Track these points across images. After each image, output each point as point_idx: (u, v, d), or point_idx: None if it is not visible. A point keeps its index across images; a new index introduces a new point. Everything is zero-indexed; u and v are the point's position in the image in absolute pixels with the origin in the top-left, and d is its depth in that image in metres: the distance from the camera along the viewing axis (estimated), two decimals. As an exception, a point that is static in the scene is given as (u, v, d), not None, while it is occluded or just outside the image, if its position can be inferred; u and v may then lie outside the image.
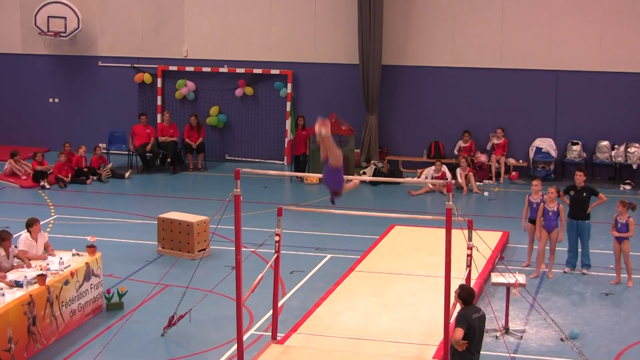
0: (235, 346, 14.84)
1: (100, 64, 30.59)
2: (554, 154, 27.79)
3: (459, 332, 12.97)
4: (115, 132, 30.16)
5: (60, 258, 17.16)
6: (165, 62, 30.12)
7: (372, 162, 28.18)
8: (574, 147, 27.70)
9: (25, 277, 16.19)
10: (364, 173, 27.49)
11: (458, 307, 13.50)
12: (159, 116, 29.78)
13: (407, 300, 17.64)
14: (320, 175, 14.87)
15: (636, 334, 16.83)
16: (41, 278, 16.15)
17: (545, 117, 28.06)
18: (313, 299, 17.89)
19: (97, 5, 30.24)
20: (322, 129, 13.67)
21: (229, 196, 14.38)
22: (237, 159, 29.74)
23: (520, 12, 27.76)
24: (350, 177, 15.00)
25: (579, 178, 19.99)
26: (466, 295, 13.33)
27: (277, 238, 15.65)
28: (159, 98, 30.24)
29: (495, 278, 17.24)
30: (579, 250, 19.84)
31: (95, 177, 27.51)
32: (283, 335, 16.05)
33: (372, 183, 27.13)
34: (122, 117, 30.12)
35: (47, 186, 26.70)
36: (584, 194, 19.71)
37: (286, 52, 29.33)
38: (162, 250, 20.92)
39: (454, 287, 13.82)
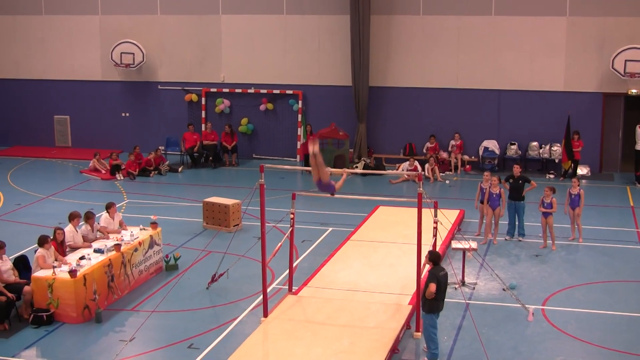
0: (261, 297, 14.87)
1: (159, 87, 30.54)
2: (497, 151, 27.73)
3: (433, 286, 13.01)
4: (170, 137, 30.16)
5: (131, 232, 17.23)
6: (207, 85, 30.08)
7: (362, 158, 28.12)
8: (512, 147, 27.65)
9: (106, 245, 16.27)
10: (356, 167, 27.46)
11: (427, 267, 13.51)
12: (203, 126, 29.72)
13: (389, 262, 17.65)
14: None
15: (558, 284, 16.87)
16: (117, 246, 16.22)
17: (491, 124, 28.00)
18: (319, 261, 17.92)
19: (157, 44, 30.19)
20: (314, 147, 13.69)
21: (255, 185, 14.41)
22: (261, 157, 29.68)
23: (471, 47, 27.68)
24: (339, 170, 14.88)
25: (516, 169, 20.03)
26: (435, 257, 13.35)
27: (292, 216, 15.68)
28: (203, 112, 30.18)
29: (455, 244, 17.27)
30: (516, 223, 19.87)
31: (156, 172, 27.52)
32: (297, 288, 16.08)
33: (362, 174, 27.09)
34: (175, 127, 30.08)
35: (121, 178, 26.72)
36: (520, 181, 19.74)
37: (297, 77, 29.26)
38: (206, 225, 20.92)
39: (424, 252, 13.84)
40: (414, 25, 28.06)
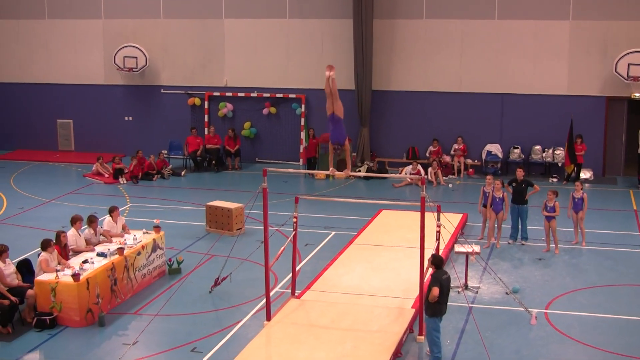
0: (264, 300, 14.87)
1: (162, 91, 30.56)
2: (500, 155, 27.71)
3: (436, 290, 13.00)
4: (173, 141, 30.15)
5: (134, 235, 17.25)
6: (210, 89, 30.09)
7: (365, 162, 28.12)
8: (515, 150, 27.64)
9: (109, 249, 16.28)
10: (359, 170, 27.47)
11: (430, 270, 13.51)
12: (206, 129, 29.71)
13: (392, 265, 17.64)
14: (327, 172, 14.90)
15: (561, 288, 16.85)
16: (120, 250, 16.23)
17: (494, 128, 27.99)
18: (322, 265, 17.90)
19: (160, 48, 30.22)
20: (331, 72, 13.80)
21: (258, 189, 14.41)
22: (264, 160, 29.67)
23: (474, 50, 27.69)
24: (341, 174, 14.81)
25: (519, 173, 20.02)
26: (437, 261, 13.34)
27: (294, 220, 15.68)
28: (206, 116, 30.18)
29: (458, 248, 17.27)
30: (519, 227, 19.85)
31: (159, 176, 27.53)
32: (300, 292, 16.07)
33: (365, 178, 27.08)
34: (178, 131, 30.08)
35: (124, 182, 26.74)
36: (523, 185, 19.73)
37: (300, 81, 29.25)
38: (209, 229, 20.92)
39: (427, 255, 13.83)
40: (417, 29, 28.07)
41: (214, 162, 28.76)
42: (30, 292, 15.11)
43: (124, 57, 29.92)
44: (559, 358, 13.59)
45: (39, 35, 31.28)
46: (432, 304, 13.09)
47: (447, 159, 27.89)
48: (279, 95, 29.41)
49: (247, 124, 29.88)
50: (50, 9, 31.04)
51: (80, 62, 31.05)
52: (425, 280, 13.86)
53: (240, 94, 29.73)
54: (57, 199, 24.40)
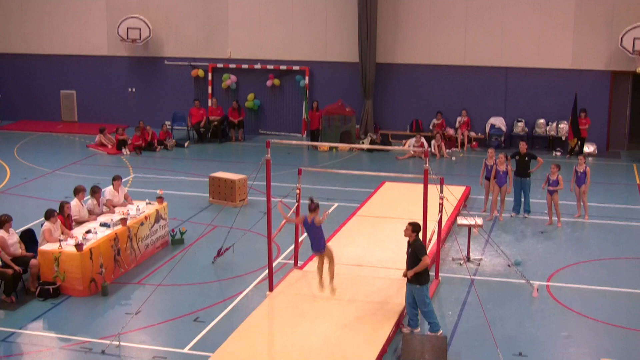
0: (267, 271, 14.89)
1: (165, 62, 30.47)
2: (504, 129, 27.66)
3: (428, 258, 13.01)
4: (177, 113, 30.12)
5: (137, 206, 17.25)
6: (214, 61, 29.99)
7: (368, 135, 28.08)
8: (519, 124, 27.58)
9: (112, 219, 16.28)
10: (363, 142, 27.46)
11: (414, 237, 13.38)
12: (209, 101, 29.68)
13: (394, 237, 17.60)
14: (330, 144, 14.79)
15: (564, 261, 16.86)
16: (123, 220, 16.24)
17: (498, 102, 27.91)
18: (325, 237, 17.86)
19: (164, 20, 30.09)
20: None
21: (261, 160, 14.39)
22: (268, 132, 29.64)
23: (479, 23, 27.55)
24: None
25: (523, 146, 19.99)
26: (419, 227, 13.25)
27: (297, 191, 15.69)
28: (209, 88, 30.11)
29: (460, 220, 17.26)
30: (522, 200, 19.84)
31: (162, 147, 27.52)
32: (302, 263, 16.10)
33: (368, 150, 27.08)
34: (182, 102, 30.04)
35: (127, 153, 26.73)
36: (526, 158, 19.70)
37: (304, 53, 29.15)
38: (212, 200, 20.94)
39: (430, 228, 13.81)
40: (422, 2, 27.90)
41: (212, 131, 28.71)
42: (33, 261, 15.15)
43: (128, 28, 29.81)
44: (560, 330, 13.61)
45: (42, 6, 31.15)
46: (423, 271, 13.05)
47: (451, 131, 27.85)
48: (282, 67, 29.31)
49: (250, 96, 29.81)
50: (53, -21, 30.97)
51: (83, 33, 30.94)
52: (428, 251, 13.81)
53: (244, 66, 29.64)
54: (60, 169, 24.40)
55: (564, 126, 26.94)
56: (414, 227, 13.14)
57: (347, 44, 28.50)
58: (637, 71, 26.34)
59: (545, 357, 12.67)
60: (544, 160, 20.22)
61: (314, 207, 13.60)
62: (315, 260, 14.39)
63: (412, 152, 26.24)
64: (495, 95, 27.90)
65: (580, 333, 13.55)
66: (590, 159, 25.63)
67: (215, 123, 28.77)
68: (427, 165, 13.67)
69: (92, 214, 16.97)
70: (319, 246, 13.63)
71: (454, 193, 18.19)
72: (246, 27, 29.51)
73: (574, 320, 14.03)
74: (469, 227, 16.84)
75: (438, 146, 26.55)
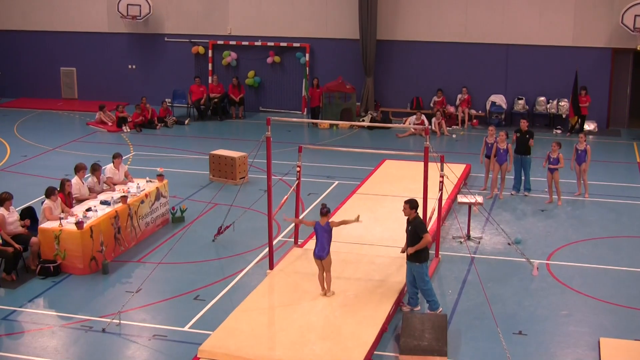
0: (267, 249, 14.89)
1: (166, 39, 30.34)
2: (504, 106, 27.59)
3: (429, 236, 12.99)
4: (177, 90, 30.05)
5: (138, 184, 17.23)
6: (214, 38, 29.86)
7: (369, 112, 28.01)
8: (520, 102, 27.50)
9: (112, 197, 16.26)
10: (363, 120, 27.41)
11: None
12: (209, 78, 29.59)
13: (394, 216, 17.56)
14: (331, 122, 14.71)
15: (564, 240, 16.86)
16: (124, 198, 16.23)
17: (499, 79, 27.81)
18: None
19: (163, -5, 30.06)
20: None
21: (262, 138, 14.34)
22: (268, 110, 29.57)
23: (480, 0, 27.41)
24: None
25: (523, 124, 19.93)
26: (416, 204, 13.20)
27: (298, 169, 15.65)
28: (210, 65, 30.02)
29: (461, 198, 17.25)
30: (523, 178, 19.82)
31: (162, 124, 27.47)
32: (303, 241, 16.09)
33: (369, 128, 27.02)
34: (182, 79, 29.95)
35: (127, 130, 26.69)
36: (527, 135, 19.64)
37: (305, 30, 29.02)
38: (212, 178, 20.92)
39: (430, 206, 13.78)
40: (423, -22, 27.82)
41: (213, 107, 28.66)
42: (34, 239, 15.14)
43: (128, 4, 29.66)
44: (560, 309, 13.62)
45: (41, -18, 31.04)
46: (423, 249, 13.04)
47: (452, 109, 27.78)
48: (283, 44, 29.18)
49: (251, 73, 29.72)
50: (52, -45, 30.78)
51: (83, 10, 30.79)
52: (428, 229, 13.79)
53: (244, 43, 29.52)
54: (61, 147, 24.37)
55: (565, 104, 26.86)
56: (411, 204, 13.08)
57: (348, 21, 28.37)
58: (638, 48, 26.22)
59: (544, 335, 12.68)
60: (545, 139, 20.11)
61: (325, 212, 13.51)
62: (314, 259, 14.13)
63: (413, 130, 26.19)
64: (496, 73, 27.80)
65: (580, 311, 13.55)
66: (590, 136, 25.56)
67: (216, 100, 28.73)
68: (428, 142, 13.63)
69: (93, 191, 16.95)
70: (323, 251, 13.47)
71: (455, 171, 18.15)
72: (246, 4, 29.37)
73: (574, 299, 14.04)
74: (469, 205, 16.82)
75: (439, 124, 26.49)
